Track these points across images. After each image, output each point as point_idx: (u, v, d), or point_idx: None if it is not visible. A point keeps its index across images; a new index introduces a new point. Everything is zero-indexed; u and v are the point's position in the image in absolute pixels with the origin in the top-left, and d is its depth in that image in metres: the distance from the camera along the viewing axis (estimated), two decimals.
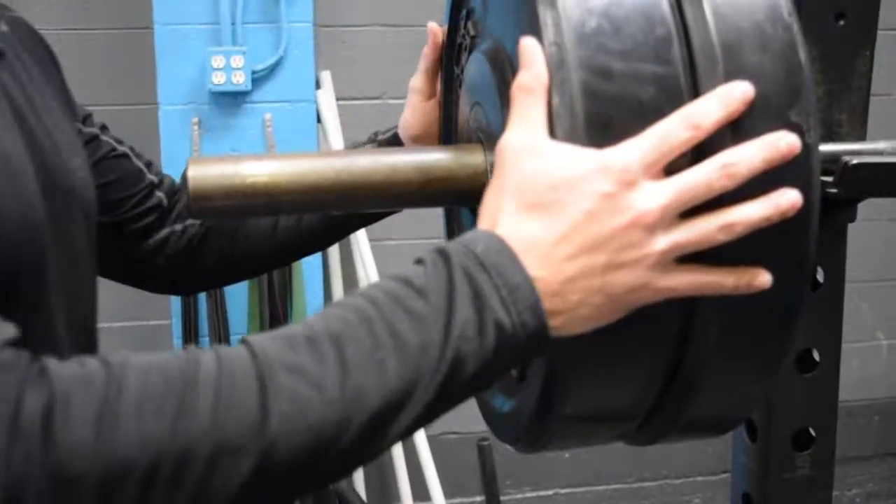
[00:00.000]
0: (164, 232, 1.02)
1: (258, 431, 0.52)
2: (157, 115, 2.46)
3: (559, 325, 0.57)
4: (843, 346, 3.24)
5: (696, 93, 0.57)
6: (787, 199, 0.57)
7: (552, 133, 0.57)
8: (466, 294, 0.55)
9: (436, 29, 0.88)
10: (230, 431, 0.51)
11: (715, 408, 0.65)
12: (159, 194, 1.01)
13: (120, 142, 1.01)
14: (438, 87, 0.93)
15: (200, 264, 1.05)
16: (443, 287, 0.56)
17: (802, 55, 0.58)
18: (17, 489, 0.48)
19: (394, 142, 1.02)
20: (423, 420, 0.56)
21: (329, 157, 0.73)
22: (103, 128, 1.00)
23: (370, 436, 0.54)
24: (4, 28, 0.85)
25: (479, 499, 2.91)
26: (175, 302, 2.48)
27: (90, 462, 0.49)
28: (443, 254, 0.58)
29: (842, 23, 0.82)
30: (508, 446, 0.71)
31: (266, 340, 0.55)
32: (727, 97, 0.56)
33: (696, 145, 0.57)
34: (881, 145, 0.79)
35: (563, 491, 3.08)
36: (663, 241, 0.56)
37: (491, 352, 0.55)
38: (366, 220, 1.03)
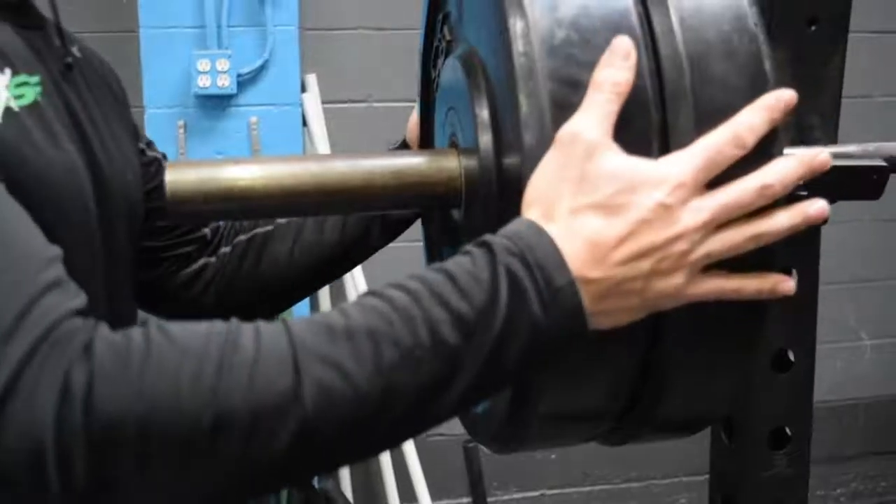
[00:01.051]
0: (201, 262, 1.07)
1: (293, 412, 0.53)
2: (142, 118, 2.46)
3: (596, 323, 0.58)
4: (827, 346, 3.28)
5: (662, 102, 0.58)
6: (815, 208, 0.61)
7: (520, 141, 0.57)
8: (507, 295, 0.56)
9: None
10: (267, 404, 0.53)
11: (685, 408, 0.66)
12: (205, 229, 1.07)
13: None
14: None
15: (230, 293, 1.09)
16: (486, 288, 0.56)
17: (767, 64, 0.60)
18: (65, 453, 0.51)
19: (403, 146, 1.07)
20: (459, 408, 0.59)
21: (306, 161, 0.74)
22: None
23: (405, 426, 0.58)
24: (76, 52, 0.92)
25: (465, 500, 2.92)
26: None
27: (127, 431, 0.52)
28: (489, 250, 0.58)
29: (813, 28, 0.83)
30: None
31: (305, 327, 0.56)
32: (771, 109, 0.59)
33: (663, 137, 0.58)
34: (851, 148, 0.80)
35: (549, 492, 3.09)
36: (699, 252, 0.59)
37: (525, 350, 0.57)
38: (386, 238, 1.06)
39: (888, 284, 3.26)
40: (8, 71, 0.75)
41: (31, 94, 0.76)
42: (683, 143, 0.58)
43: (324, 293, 2.66)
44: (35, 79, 0.78)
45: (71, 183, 0.76)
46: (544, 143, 0.57)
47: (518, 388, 0.62)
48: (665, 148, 0.58)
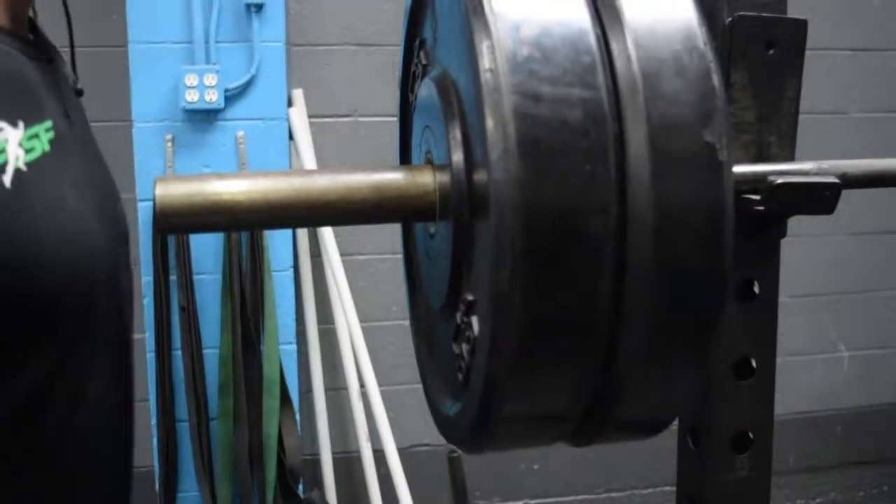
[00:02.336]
0: None
1: None
2: (131, 132, 2.49)
3: None
4: (807, 358, 3.32)
5: (619, 115, 0.62)
6: None
7: (486, 153, 0.61)
8: None
9: None
10: None
11: (644, 409, 0.69)
12: None
13: None
14: None
15: None
16: None
17: (716, 81, 0.63)
18: None
19: None
20: None
21: (289, 176, 0.77)
22: None
23: None
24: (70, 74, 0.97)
25: None
26: (148, 316, 2.52)
27: None
28: None
29: (772, 52, 0.87)
30: (477, 457, 0.75)
31: None
32: None
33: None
34: (807, 165, 0.84)
35: (532, 502, 3.12)
36: None
37: None
38: None
39: (866, 297, 3.31)
40: (21, 125, 0.76)
41: (39, 146, 0.77)
42: (638, 153, 0.62)
43: (309, 302, 2.69)
44: (46, 124, 0.80)
45: (82, 242, 0.80)
46: (508, 153, 0.60)
47: (484, 392, 0.66)
48: (621, 157, 0.62)
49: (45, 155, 0.77)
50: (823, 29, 3.02)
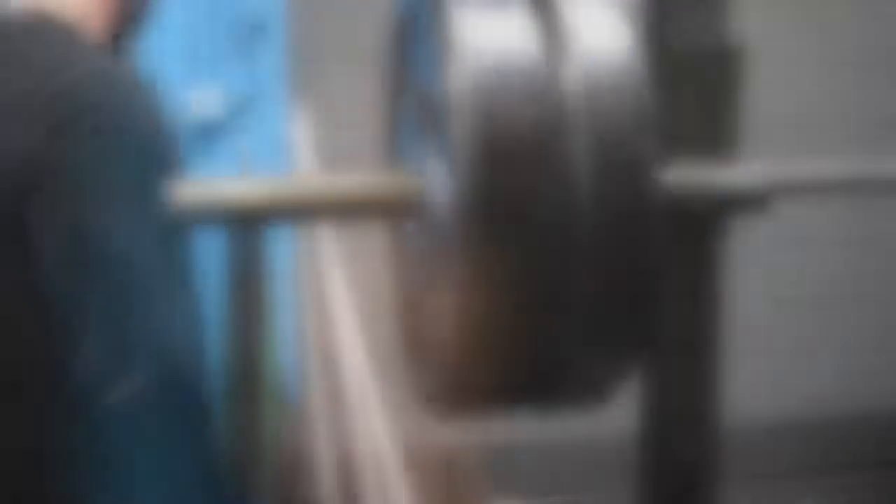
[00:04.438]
0: None
1: None
2: None
3: None
4: (789, 365, 3.33)
5: (564, 130, 0.74)
6: None
7: (454, 161, 0.73)
8: None
9: None
10: None
11: (590, 379, 0.81)
12: None
13: None
14: None
15: None
16: None
17: (649, 101, 0.75)
18: None
19: None
20: None
21: (289, 179, 0.89)
22: None
23: None
24: None
25: None
26: None
27: None
28: None
29: (716, 70, 0.97)
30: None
31: None
32: None
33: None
34: (745, 173, 0.94)
35: (533, 501, 3.17)
36: None
37: None
38: None
39: (851, 305, 3.32)
40: None
41: None
42: (580, 161, 0.73)
43: (309, 308, 2.76)
44: None
45: None
46: (473, 163, 0.72)
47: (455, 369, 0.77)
48: (566, 165, 0.74)
49: None
50: (804, 44, 3.10)
